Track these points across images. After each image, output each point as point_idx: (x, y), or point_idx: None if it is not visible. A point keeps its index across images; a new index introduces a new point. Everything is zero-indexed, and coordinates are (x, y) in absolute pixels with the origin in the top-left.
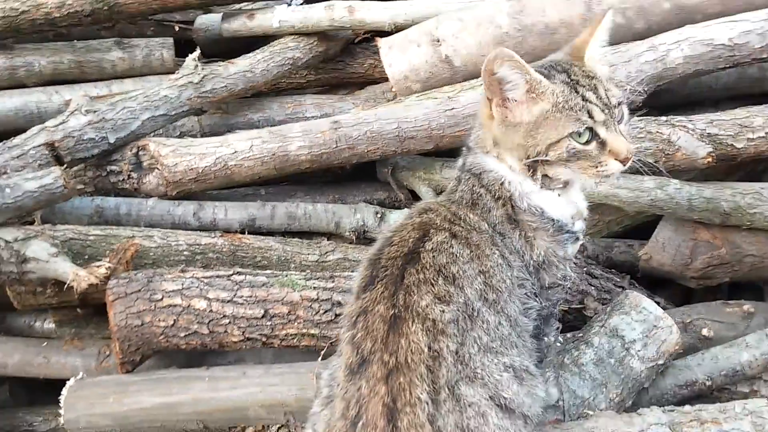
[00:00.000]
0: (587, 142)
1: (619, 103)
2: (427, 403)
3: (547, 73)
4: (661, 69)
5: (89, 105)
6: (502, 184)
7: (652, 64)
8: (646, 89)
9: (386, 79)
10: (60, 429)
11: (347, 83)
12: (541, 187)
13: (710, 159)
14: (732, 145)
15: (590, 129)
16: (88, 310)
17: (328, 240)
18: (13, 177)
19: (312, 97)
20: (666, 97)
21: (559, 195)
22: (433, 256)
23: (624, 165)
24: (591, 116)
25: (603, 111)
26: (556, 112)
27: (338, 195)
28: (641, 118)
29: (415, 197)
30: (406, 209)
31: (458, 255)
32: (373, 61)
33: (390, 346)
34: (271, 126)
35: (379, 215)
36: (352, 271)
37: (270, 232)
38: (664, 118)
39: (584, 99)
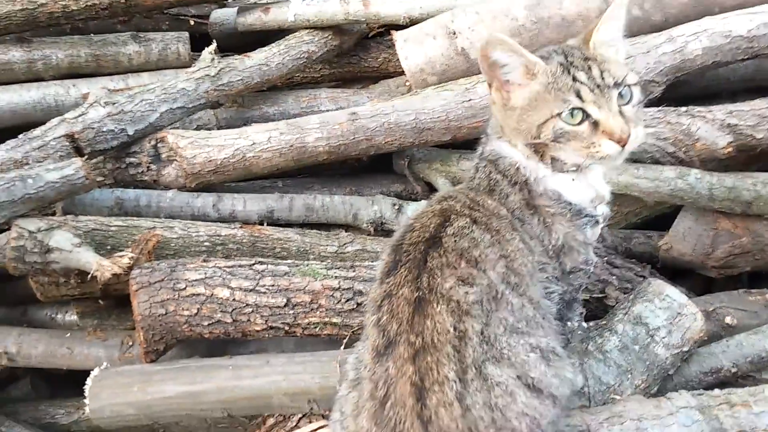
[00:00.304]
0: (580, 123)
1: (620, 84)
2: (455, 382)
3: (547, 56)
4: (680, 60)
5: (108, 97)
6: (517, 169)
7: (671, 56)
8: (665, 80)
9: (401, 73)
10: (81, 421)
11: (361, 77)
12: (554, 171)
13: (730, 149)
14: (752, 135)
15: (581, 110)
16: (110, 302)
17: (346, 231)
18: (35, 168)
19: (327, 91)
20: (684, 89)
21: (573, 179)
22: (455, 241)
23: (620, 146)
24: (579, 96)
25: (593, 91)
26: (546, 92)
27: (355, 187)
28: (660, 108)
29: (432, 189)
30: (423, 201)
31: (479, 239)
32: (387, 56)
33: (416, 327)
34: (287, 119)
35: (396, 207)
36: (372, 261)
37: (288, 224)
38: (683, 108)
39: (575, 79)
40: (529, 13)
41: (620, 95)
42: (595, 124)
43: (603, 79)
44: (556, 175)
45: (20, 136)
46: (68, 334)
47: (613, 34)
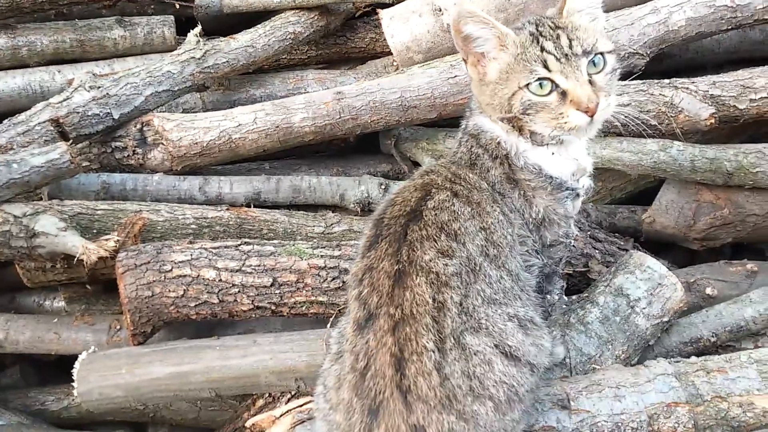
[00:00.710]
0: (549, 93)
1: (589, 52)
2: (434, 352)
3: (521, 27)
4: (664, 32)
5: (93, 81)
6: (498, 143)
7: (655, 27)
8: (648, 52)
9: (388, 53)
10: (71, 407)
11: (349, 58)
12: (534, 145)
13: (713, 120)
14: (734, 106)
15: (549, 79)
16: (97, 287)
17: (333, 212)
18: (20, 153)
19: (314, 72)
20: (669, 62)
21: (553, 153)
22: (435, 214)
23: (588, 115)
24: (546, 66)
25: (559, 60)
26: (516, 63)
27: (342, 168)
28: (644, 81)
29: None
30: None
31: (459, 212)
32: (374, 36)
33: (395, 299)
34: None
35: (383, 186)
36: (358, 241)
37: (275, 206)
38: (666, 80)
39: (542, 49)
40: None
41: (593, 63)
42: (564, 94)
43: (571, 47)
44: (536, 149)
45: (5, 121)
46: (55, 320)
47: (587, 1)
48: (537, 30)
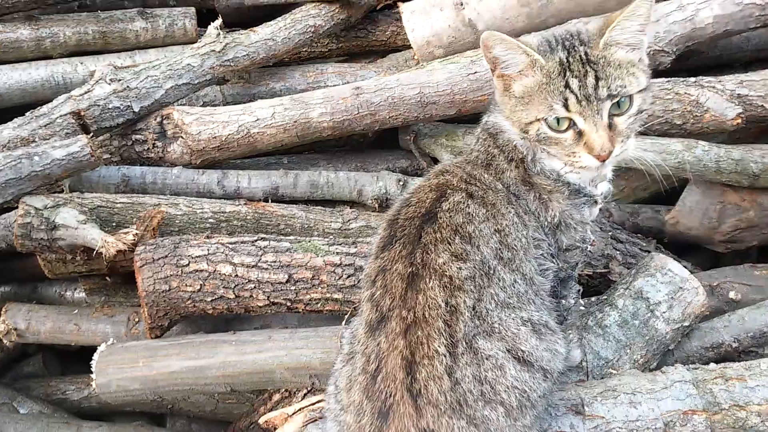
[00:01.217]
0: (564, 130)
1: (615, 95)
2: (445, 356)
3: (552, 47)
4: (690, 29)
5: (113, 74)
6: (515, 146)
7: (681, 24)
8: (674, 50)
9: (409, 47)
10: (92, 397)
11: (369, 51)
12: (541, 149)
13: (739, 120)
14: (762, 106)
15: (568, 118)
16: (116, 279)
17: (350, 208)
18: (42, 145)
19: (334, 66)
20: (695, 59)
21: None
22: (450, 216)
23: (600, 162)
24: (566, 106)
25: (580, 102)
26: (538, 91)
27: (360, 163)
28: (669, 79)
29: (438, 164)
30: None
31: (474, 215)
32: (395, 29)
33: (408, 302)
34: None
35: (401, 183)
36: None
37: (293, 201)
38: (692, 79)
39: (567, 86)
40: None
41: (617, 104)
42: (580, 134)
43: (596, 89)
44: (554, 157)
45: (27, 114)
46: (76, 311)
47: (630, 34)
48: (567, 60)
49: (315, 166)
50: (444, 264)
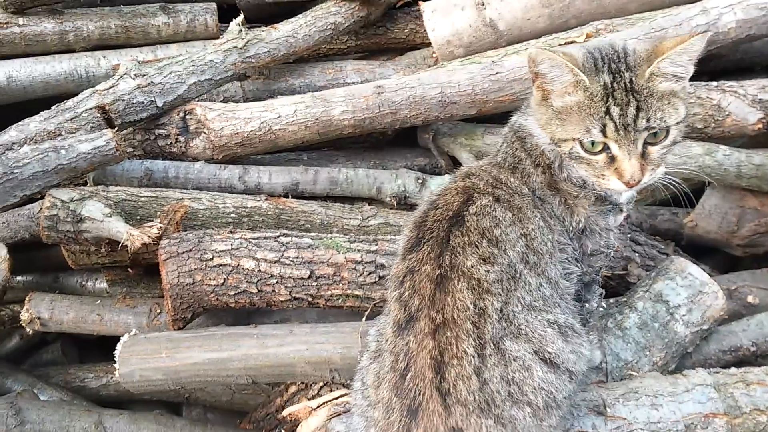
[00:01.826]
0: (598, 152)
1: (653, 127)
2: (473, 357)
3: (599, 67)
4: (713, 33)
5: (138, 69)
6: (543, 152)
7: (704, 28)
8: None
9: (428, 45)
10: (110, 385)
11: (388, 49)
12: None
13: (761, 125)
14: None
15: (602, 142)
16: (138, 271)
17: (369, 205)
18: (68, 139)
19: (353, 63)
20: (717, 63)
21: None
22: (477, 220)
23: (628, 188)
24: (603, 132)
25: (618, 131)
26: (578, 110)
27: (379, 161)
28: (691, 83)
29: (456, 163)
30: (446, 175)
31: (501, 218)
32: (414, 27)
33: (437, 303)
34: (313, 92)
35: (420, 181)
36: (395, 235)
37: (312, 197)
38: (714, 83)
39: (607, 112)
40: None
41: (653, 134)
42: (612, 159)
43: (636, 120)
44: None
45: (53, 107)
46: (98, 301)
47: (679, 67)
48: (611, 86)
49: (334, 162)
50: (472, 267)
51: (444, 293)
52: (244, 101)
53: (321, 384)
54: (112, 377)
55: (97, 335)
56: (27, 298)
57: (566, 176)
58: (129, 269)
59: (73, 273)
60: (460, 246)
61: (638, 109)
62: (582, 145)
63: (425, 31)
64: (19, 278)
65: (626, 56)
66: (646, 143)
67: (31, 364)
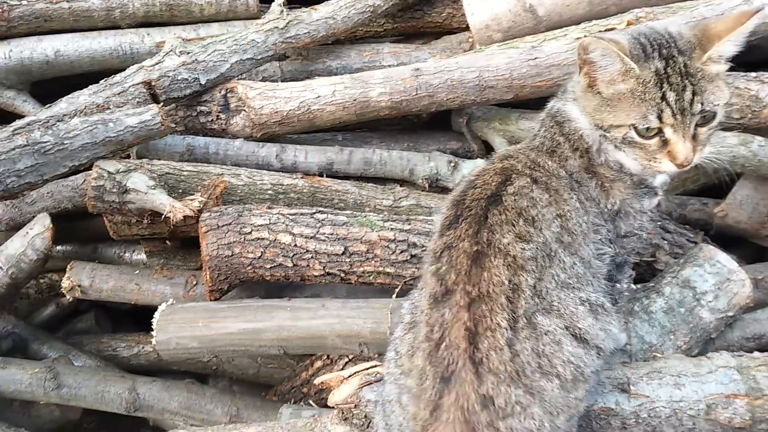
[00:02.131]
0: (651, 136)
1: (706, 110)
2: (506, 329)
3: (649, 53)
4: (756, 24)
5: (183, 46)
6: (581, 136)
7: None
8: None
9: (464, 29)
10: (141, 354)
11: (424, 33)
12: (616, 147)
13: None
14: None
15: (657, 127)
16: (176, 243)
17: (401, 186)
18: (116, 112)
19: (389, 46)
20: (757, 53)
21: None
22: (515, 199)
23: (679, 169)
24: (660, 117)
25: (674, 115)
26: (631, 98)
27: (412, 143)
28: (730, 73)
29: (489, 148)
30: (479, 159)
31: (538, 199)
32: (451, 11)
33: (473, 278)
34: (350, 73)
35: (452, 164)
36: (427, 216)
37: (346, 176)
38: (753, 74)
39: (663, 98)
40: None
41: (703, 117)
42: (665, 142)
43: (692, 104)
44: (618, 150)
45: (101, 81)
46: (137, 271)
47: (732, 49)
48: (665, 71)
49: (368, 143)
50: (508, 244)
51: (480, 268)
52: (283, 81)
53: (346, 360)
54: (143, 347)
55: (132, 305)
56: (68, 267)
57: (603, 160)
58: (167, 241)
59: (112, 244)
60: (498, 224)
61: (694, 93)
62: (637, 131)
63: (462, 15)
64: (59, 248)
65: (676, 41)
66: (696, 125)
67: (66, 333)
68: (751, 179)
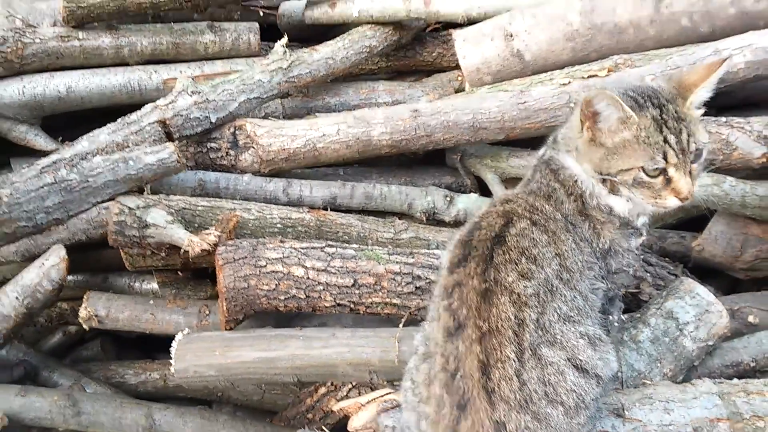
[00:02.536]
0: (655, 176)
1: (699, 149)
2: (515, 361)
3: (642, 103)
4: (724, 73)
5: (194, 86)
6: (575, 182)
7: None
8: None
9: (453, 68)
10: (148, 382)
11: (415, 70)
12: (609, 192)
13: (764, 159)
14: None
15: (663, 168)
16: (187, 273)
17: (399, 219)
18: (135, 151)
19: (384, 84)
20: (724, 99)
21: (627, 200)
22: (517, 240)
23: (682, 202)
24: (665, 158)
25: (677, 155)
26: (636, 143)
27: (409, 177)
28: (702, 118)
29: (481, 183)
30: (472, 194)
31: (538, 240)
32: (441, 51)
33: (483, 314)
34: (348, 110)
35: (448, 198)
36: (427, 249)
37: (348, 210)
38: (723, 119)
39: (665, 141)
40: (584, 19)
41: (697, 154)
42: (668, 180)
43: (688, 144)
44: (611, 195)
45: (118, 120)
46: (151, 301)
47: (706, 96)
48: (661, 117)
49: (368, 178)
50: (513, 282)
51: (489, 305)
52: (284, 117)
53: (349, 386)
54: (150, 374)
55: (133, 334)
56: (85, 297)
57: (596, 204)
58: (179, 272)
59: (122, 274)
60: (503, 263)
61: (688, 135)
62: (645, 172)
63: (451, 55)
64: (70, 277)
65: (661, 92)
66: (690, 162)
67: (72, 360)
68: (724, 216)
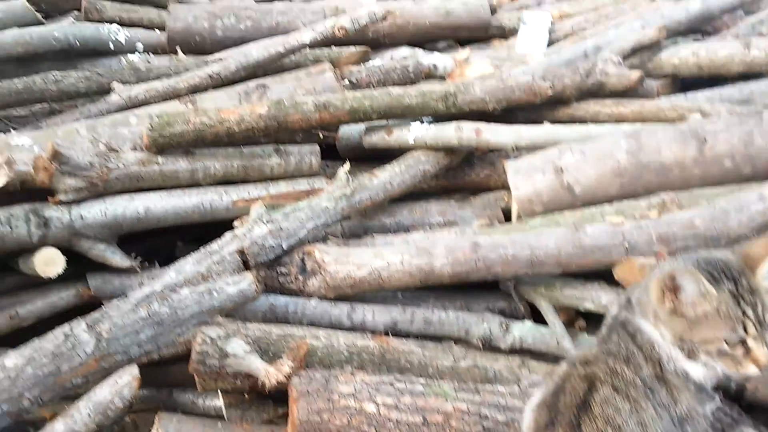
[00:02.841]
0: (735, 347)
1: None
2: None
3: (717, 277)
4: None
5: (267, 215)
6: (653, 347)
7: (762, 213)
8: (755, 236)
9: (500, 188)
10: None
11: (463, 189)
12: (686, 357)
13: None
14: None
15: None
16: (252, 396)
17: (455, 343)
18: (218, 282)
19: (436, 205)
20: None
21: (704, 365)
22: (602, 408)
23: (760, 371)
24: (745, 330)
25: (755, 326)
26: (717, 316)
27: (464, 301)
28: None
29: (534, 309)
30: (527, 321)
31: (621, 408)
32: (488, 172)
33: None
34: (403, 230)
35: (504, 326)
36: (486, 377)
37: (407, 335)
38: None
39: (744, 314)
40: (631, 157)
41: None
42: (747, 350)
43: (764, 317)
44: (687, 360)
45: (201, 250)
46: (219, 424)
47: None
48: (737, 291)
49: (425, 302)
50: None
51: None
52: (342, 236)
53: None
54: None
55: None
56: (157, 418)
57: (673, 369)
58: (246, 394)
59: (186, 390)
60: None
61: (763, 307)
62: (727, 343)
63: (498, 175)
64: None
65: (730, 265)
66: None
67: None
68: None
